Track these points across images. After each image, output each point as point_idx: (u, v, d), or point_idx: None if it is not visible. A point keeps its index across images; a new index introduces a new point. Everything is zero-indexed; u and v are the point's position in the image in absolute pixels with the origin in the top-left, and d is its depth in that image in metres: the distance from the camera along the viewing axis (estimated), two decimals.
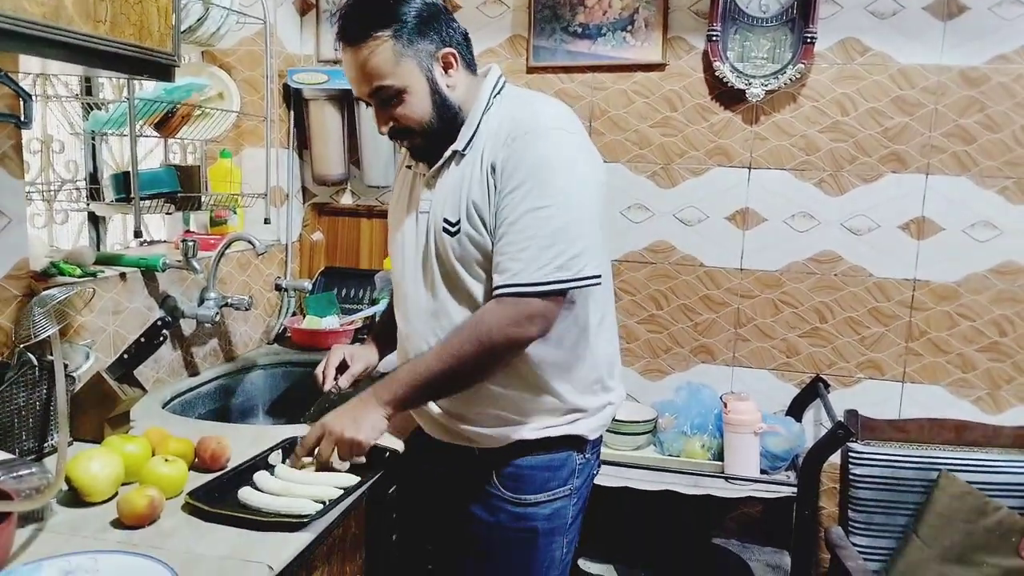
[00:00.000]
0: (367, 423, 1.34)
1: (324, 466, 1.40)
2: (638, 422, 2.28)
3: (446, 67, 1.39)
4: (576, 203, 1.33)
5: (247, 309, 2.11)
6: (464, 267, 1.39)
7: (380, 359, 1.71)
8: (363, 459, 1.44)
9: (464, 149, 1.40)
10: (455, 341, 1.33)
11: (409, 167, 1.54)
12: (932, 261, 2.30)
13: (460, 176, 1.39)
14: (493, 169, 1.34)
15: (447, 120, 1.40)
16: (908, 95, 2.26)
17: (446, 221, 1.38)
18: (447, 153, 1.41)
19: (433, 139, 1.41)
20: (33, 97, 1.20)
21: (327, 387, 1.62)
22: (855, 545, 2.24)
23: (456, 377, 1.35)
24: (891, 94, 2.27)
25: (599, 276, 1.36)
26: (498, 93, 1.43)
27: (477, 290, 1.39)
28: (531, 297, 1.30)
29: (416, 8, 1.34)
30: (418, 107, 1.37)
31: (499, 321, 1.31)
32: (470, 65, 1.45)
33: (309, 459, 1.40)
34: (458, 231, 1.37)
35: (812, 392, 2.38)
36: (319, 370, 1.65)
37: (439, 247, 1.41)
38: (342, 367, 1.66)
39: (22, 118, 1.16)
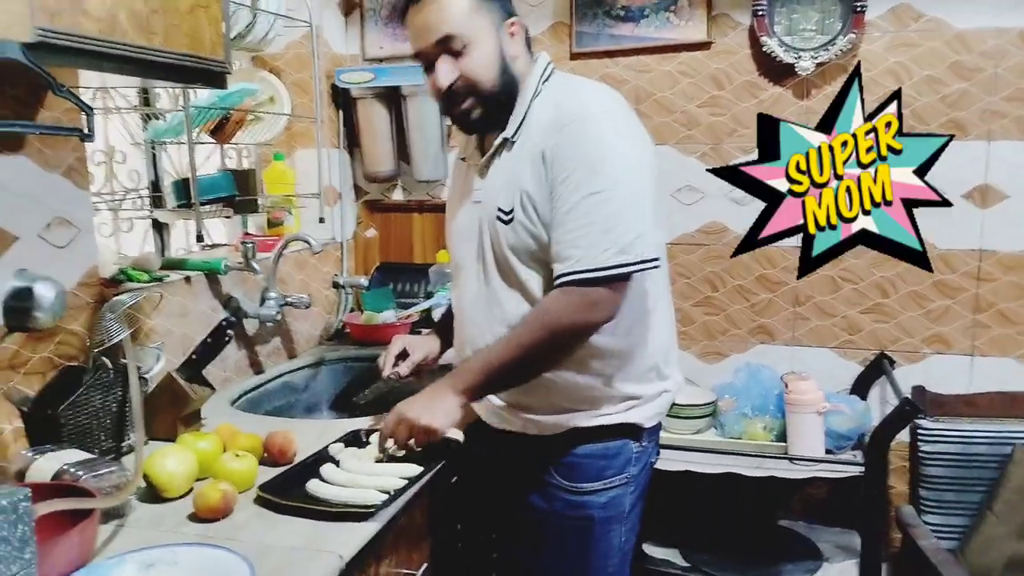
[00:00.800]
0: (441, 410, 1.34)
1: (392, 456, 1.43)
2: (697, 405, 2.26)
3: (511, 35, 1.40)
4: (629, 186, 1.32)
5: (306, 307, 2.16)
6: (516, 256, 1.39)
7: (442, 349, 1.73)
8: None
9: (513, 136, 1.40)
10: (523, 331, 1.33)
11: (463, 159, 1.56)
12: (998, 230, 2.22)
13: (512, 165, 1.39)
14: (543, 158, 1.34)
15: (506, 88, 1.40)
16: (966, 60, 2.18)
17: (500, 210, 1.39)
18: (496, 142, 1.42)
19: (492, 106, 1.40)
20: (94, 110, 1.24)
21: (386, 373, 1.67)
22: (927, 523, 2.19)
23: (525, 366, 1.35)
24: (948, 60, 2.20)
25: (658, 259, 1.35)
26: (546, 80, 1.43)
27: (530, 280, 1.39)
28: (595, 283, 1.30)
29: None
30: (484, 63, 1.37)
31: (565, 309, 1.31)
32: (528, 45, 1.46)
33: (391, 444, 1.41)
34: (512, 220, 1.37)
35: (876, 369, 2.33)
36: (380, 359, 1.70)
37: (492, 237, 1.41)
38: (402, 355, 1.69)
39: (85, 131, 1.21)
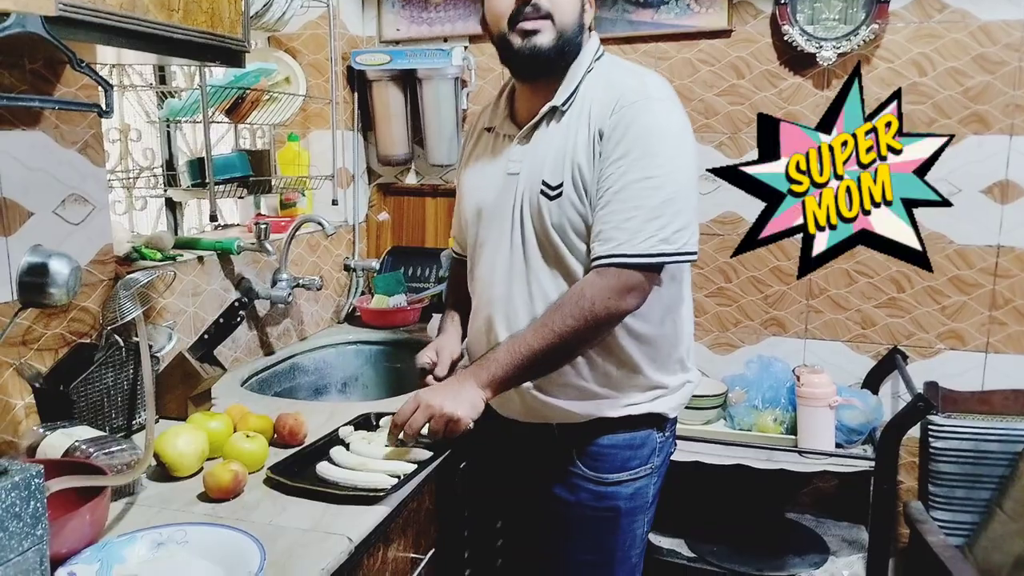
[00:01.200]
0: (466, 400, 1.29)
1: (404, 442, 1.36)
2: (708, 396, 2.25)
3: (588, 6, 1.39)
4: (681, 176, 1.31)
5: (318, 289, 2.16)
6: (559, 233, 1.35)
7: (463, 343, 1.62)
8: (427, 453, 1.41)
9: (564, 106, 1.37)
10: (556, 316, 1.30)
11: (489, 129, 1.51)
12: (1017, 226, 2.20)
13: (563, 137, 1.36)
14: (600, 135, 1.31)
15: (572, 43, 1.36)
16: (990, 52, 2.15)
17: (545, 184, 1.35)
18: (544, 109, 1.38)
19: (556, 43, 1.34)
20: (112, 86, 1.23)
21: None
22: (935, 520, 2.18)
23: (557, 354, 1.32)
24: (971, 52, 2.16)
25: (697, 252, 1.34)
26: (598, 59, 1.41)
27: (568, 257, 1.36)
28: (633, 269, 1.28)
29: None
30: (571, 5, 1.35)
31: (600, 293, 1.28)
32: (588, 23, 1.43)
33: (403, 433, 1.34)
34: (559, 195, 1.34)
35: (889, 364, 2.31)
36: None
37: (532, 211, 1.37)
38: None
39: (104, 107, 1.20)
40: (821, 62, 2.25)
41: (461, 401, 1.29)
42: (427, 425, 1.30)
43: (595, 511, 1.45)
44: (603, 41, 2.38)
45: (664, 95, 1.34)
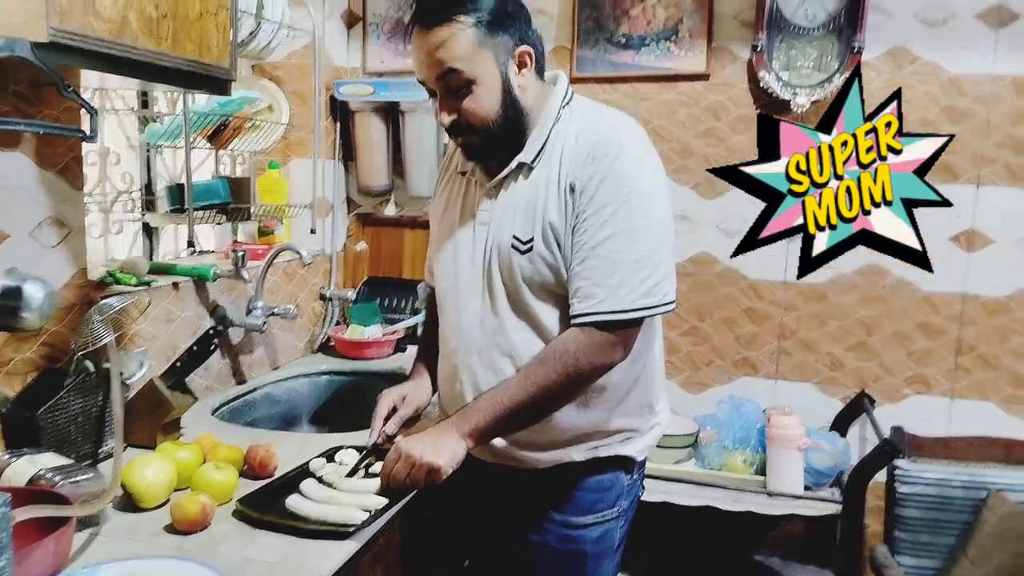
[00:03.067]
0: (447, 450, 1.27)
1: (392, 488, 1.33)
2: (679, 436, 2.26)
3: (520, 66, 1.32)
4: (659, 228, 1.30)
5: (293, 318, 2.14)
6: (530, 288, 1.34)
7: (433, 392, 1.60)
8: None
9: (533, 161, 1.34)
10: (539, 371, 1.28)
11: (463, 173, 1.47)
12: (982, 274, 2.25)
13: (532, 192, 1.34)
14: (572, 189, 1.29)
15: (512, 123, 1.33)
16: (959, 104, 2.22)
17: (516, 239, 1.33)
18: (512, 165, 1.35)
19: (493, 141, 1.33)
20: (97, 112, 1.23)
21: (373, 439, 1.50)
22: (900, 565, 2.19)
23: (539, 406, 1.30)
24: (941, 104, 2.23)
25: (675, 300, 1.33)
26: (567, 104, 1.38)
27: (539, 310, 1.35)
28: (615, 325, 1.28)
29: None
30: (486, 102, 1.30)
31: (585, 349, 1.27)
32: (541, 70, 1.38)
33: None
34: (530, 250, 1.32)
35: (857, 407, 2.34)
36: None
37: (502, 264, 1.35)
38: (392, 412, 1.54)
39: (88, 132, 1.20)
40: (795, 108, 2.31)
41: (442, 451, 1.27)
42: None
43: (562, 554, 1.44)
44: (584, 80, 2.46)
45: (637, 143, 1.32)
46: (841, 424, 2.36)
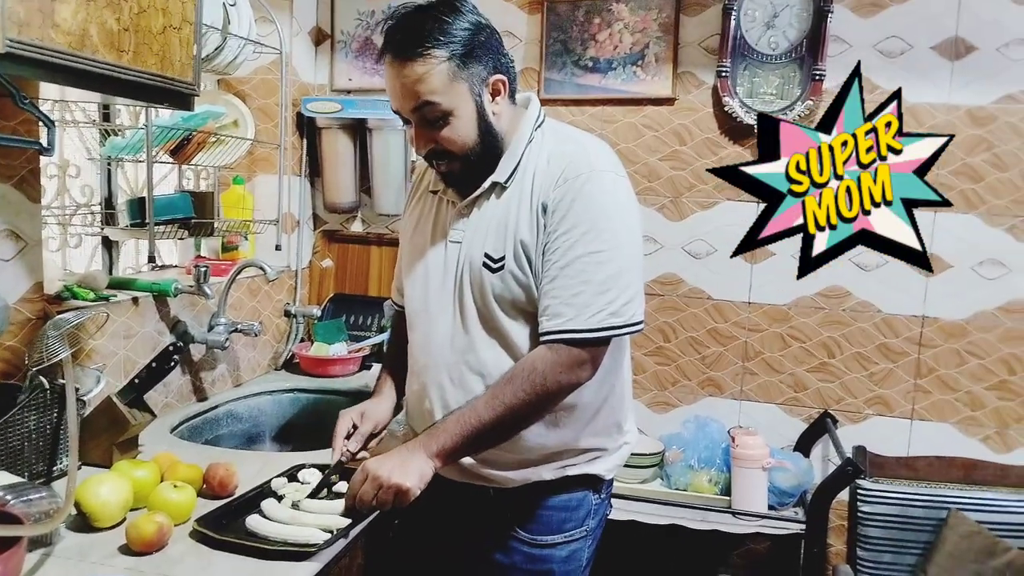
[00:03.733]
0: (414, 471, 1.26)
1: (358, 509, 1.32)
2: (645, 455, 2.27)
3: (494, 94, 1.34)
4: (628, 249, 1.31)
5: (256, 335, 2.12)
6: (500, 306, 1.35)
7: (394, 410, 1.60)
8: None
9: (506, 182, 1.36)
10: (507, 390, 1.29)
11: (434, 192, 1.48)
12: (941, 298, 2.30)
13: (504, 211, 1.35)
14: (544, 209, 1.31)
15: (489, 148, 1.35)
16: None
17: (487, 257, 1.34)
18: (486, 184, 1.36)
19: (471, 166, 1.35)
20: (55, 124, 1.21)
21: (335, 458, 1.48)
22: None
23: (507, 426, 1.30)
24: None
25: (643, 321, 1.35)
26: (539, 126, 1.40)
27: (510, 328, 1.35)
28: (583, 344, 1.28)
29: (474, 29, 1.29)
30: (463, 131, 1.31)
31: (552, 368, 1.28)
32: (513, 93, 1.40)
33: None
34: (501, 268, 1.33)
35: (820, 427, 2.37)
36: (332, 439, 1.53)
37: (474, 282, 1.36)
38: (353, 431, 1.53)
39: (45, 144, 1.18)
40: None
41: (410, 472, 1.26)
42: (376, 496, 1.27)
43: (529, 573, 1.43)
44: (552, 102, 2.48)
45: (608, 166, 1.34)
46: (804, 444, 2.39)
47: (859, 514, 2.25)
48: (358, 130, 2.57)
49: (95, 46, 1.11)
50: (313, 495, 1.42)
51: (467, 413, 1.30)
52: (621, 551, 2.32)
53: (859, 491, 2.25)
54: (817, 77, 2.28)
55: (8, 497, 1.18)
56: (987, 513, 2.17)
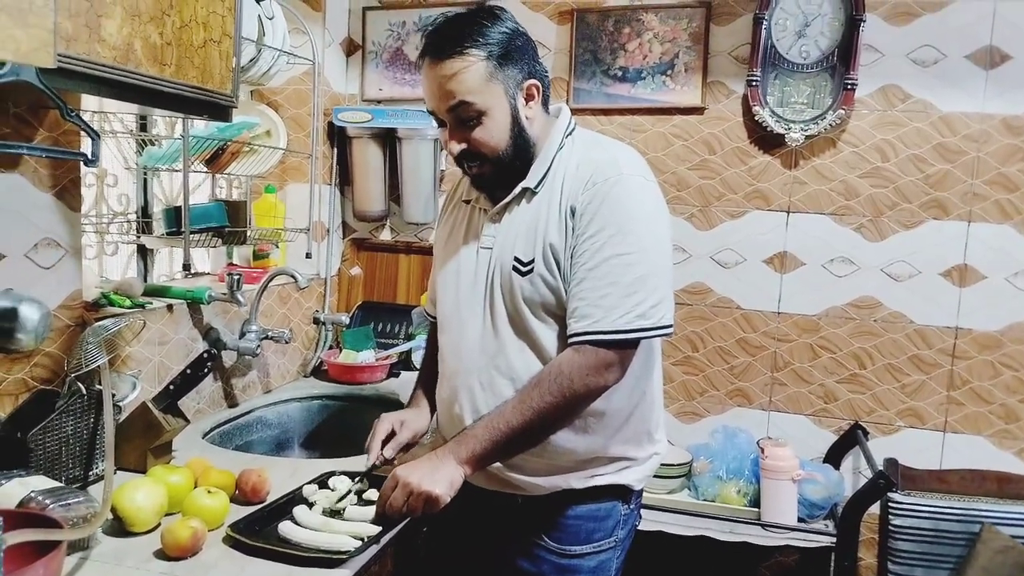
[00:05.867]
0: (444, 478, 1.27)
1: (388, 516, 1.32)
2: (673, 465, 2.25)
3: (528, 98, 1.37)
4: (657, 252, 1.32)
5: (287, 342, 2.14)
6: (530, 309, 1.36)
7: (432, 417, 1.62)
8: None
9: (536, 187, 1.38)
10: (535, 394, 1.29)
11: (467, 201, 1.51)
12: (974, 309, 2.27)
13: (534, 215, 1.37)
14: (572, 212, 1.32)
15: (520, 152, 1.37)
16: (950, 142, 2.25)
17: (517, 260, 1.36)
18: (516, 190, 1.39)
19: (502, 170, 1.37)
20: (99, 136, 1.24)
21: (371, 461, 1.50)
22: None
23: (536, 430, 1.31)
24: (932, 141, 2.26)
25: (673, 325, 1.34)
26: (569, 134, 1.42)
27: (540, 332, 1.36)
28: (610, 345, 1.29)
29: (511, 34, 1.33)
30: (496, 133, 1.34)
31: (579, 370, 1.28)
32: (546, 102, 1.43)
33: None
34: (531, 271, 1.34)
35: (850, 439, 2.34)
36: (367, 443, 1.55)
37: (504, 286, 1.38)
38: (390, 435, 1.55)
39: (89, 156, 1.20)
40: (789, 143, 2.33)
41: (439, 479, 1.27)
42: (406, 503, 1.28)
43: None
44: (581, 111, 2.48)
45: (637, 171, 1.36)
46: (834, 456, 2.36)
47: (890, 527, 2.22)
48: (388, 139, 2.59)
49: (139, 60, 1.13)
50: (343, 501, 1.43)
51: (496, 418, 1.31)
52: (648, 562, 2.31)
53: (890, 504, 2.22)
54: (849, 86, 2.26)
55: (48, 501, 1.20)
56: (1021, 528, 2.13)
